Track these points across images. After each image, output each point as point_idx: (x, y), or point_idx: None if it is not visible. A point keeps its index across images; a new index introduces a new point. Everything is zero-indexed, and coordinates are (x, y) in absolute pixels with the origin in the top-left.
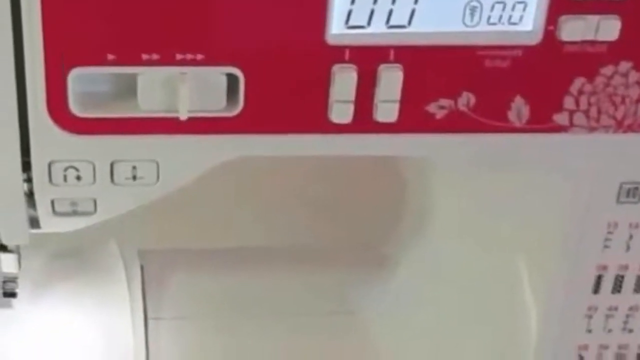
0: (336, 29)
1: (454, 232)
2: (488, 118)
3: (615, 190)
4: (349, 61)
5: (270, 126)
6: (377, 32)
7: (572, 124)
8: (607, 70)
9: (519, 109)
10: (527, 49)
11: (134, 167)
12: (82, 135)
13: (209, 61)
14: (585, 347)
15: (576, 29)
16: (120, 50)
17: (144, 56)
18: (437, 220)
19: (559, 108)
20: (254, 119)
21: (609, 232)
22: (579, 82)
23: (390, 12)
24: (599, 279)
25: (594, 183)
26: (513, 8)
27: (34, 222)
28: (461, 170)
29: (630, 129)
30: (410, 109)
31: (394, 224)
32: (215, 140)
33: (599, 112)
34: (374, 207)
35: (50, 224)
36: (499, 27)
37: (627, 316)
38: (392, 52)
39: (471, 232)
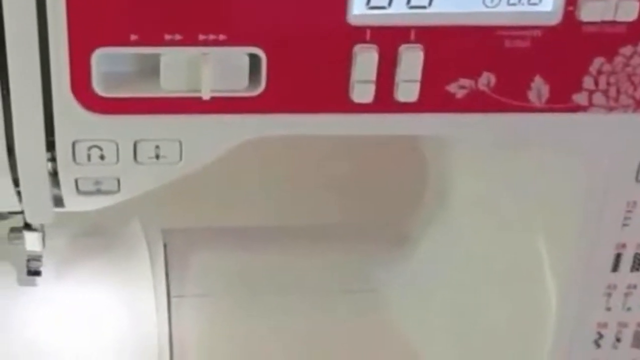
0: (357, 10)
1: (473, 211)
2: (508, 98)
3: (634, 169)
4: (370, 41)
5: (292, 106)
6: (398, 12)
7: (591, 104)
8: (626, 50)
9: (538, 88)
10: (546, 29)
11: (157, 147)
12: (106, 114)
13: (231, 41)
14: (605, 325)
15: (595, 9)
16: (143, 31)
17: (167, 37)
18: (457, 199)
19: (579, 88)
20: (276, 99)
21: (628, 211)
22: (598, 62)
23: None
24: (618, 258)
25: (612, 162)
26: None
27: (58, 201)
28: (481, 150)
29: None
30: (431, 88)
31: (414, 202)
32: (238, 120)
33: (618, 91)
34: (395, 185)
35: (74, 203)
36: (518, 8)
37: None
38: (412, 33)
39: (491, 210)
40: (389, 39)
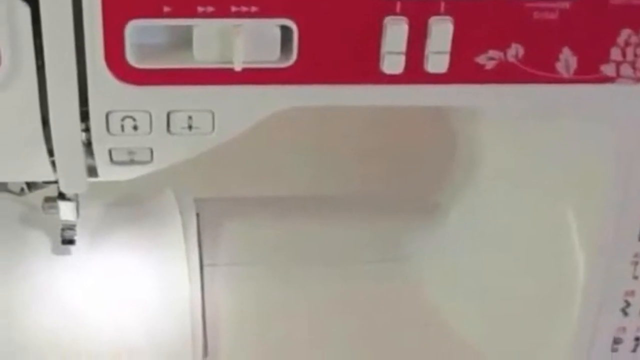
0: None
1: (503, 180)
2: (536, 69)
3: None
4: (400, 13)
5: (323, 77)
6: None
7: (618, 75)
8: None
9: (566, 60)
10: (574, 1)
11: (190, 117)
12: (139, 85)
13: (263, 13)
14: (632, 293)
15: None
16: (176, 3)
17: (200, 9)
18: (486, 169)
19: (606, 59)
20: (307, 70)
21: None
22: (625, 33)
23: None
24: None
25: (639, 132)
26: None
27: (92, 171)
28: (509, 121)
29: None
30: (460, 60)
31: (444, 172)
32: (269, 91)
33: None
34: (425, 156)
35: (108, 173)
36: None
37: None
38: (442, 5)
39: (519, 180)
40: (419, 10)
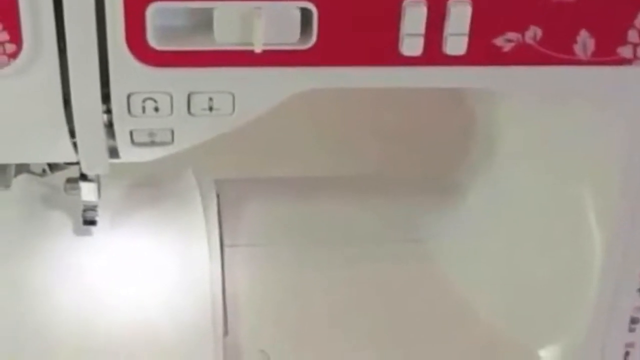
0: None
1: (520, 162)
2: (554, 51)
3: None
4: None
5: (342, 59)
6: None
7: (635, 57)
8: None
9: (584, 42)
10: None
11: (210, 99)
12: (160, 67)
13: None
14: None
15: None
16: None
17: None
18: (504, 150)
19: (623, 41)
20: (327, 52)
21: None
22: None
23: None
24: None
25: None
26: None
27: (114, 152)
28: (527, 102)
29: None
30: (479, 42)
31: (462, 153)
32: (289, 73)
33: None
34: (443, 137)
35: (129, 154)
36: None
37: None
38: None
39: (537, 161)
40: None
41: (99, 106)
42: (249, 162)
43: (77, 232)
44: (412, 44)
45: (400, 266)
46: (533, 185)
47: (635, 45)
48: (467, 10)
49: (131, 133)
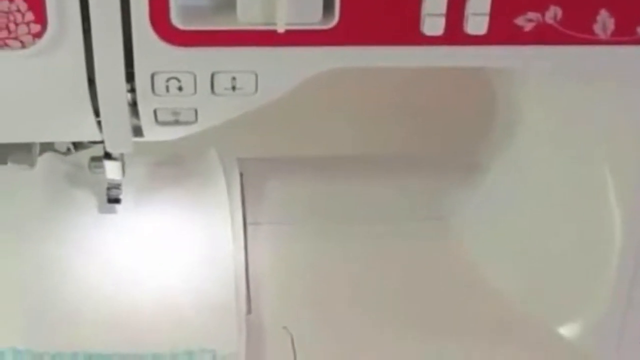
0: None
1: (541, 140)
2: (574, 30)
3: None
4: None
5: (365, 38)
6: None
7: None
8: None
9: (604, 21)
10: None
11: (234, 78)
12: (184, 47)
13: None
14: None
15: None
16: None
17: None
18: (524, 129)
19: None
20: (349, 32)
21: None
22: None
23: None
24: None
25: None
26: None
27: (138, 131)
28: (548, 81)
29: None
30: (500, 21)
31: (484, 132)
32: (311, 52)
33: None
34: (465, 115)
35: (153, 133)
36: None
37: None
38: None
39: (557, 140)
40: None
41: (123, 85)
42: (272, 141)
43: (102, 210)
44: (433, 24)
45: (422, 243)
46: (553, 163)
47: None
48: None
49: (155, 112)
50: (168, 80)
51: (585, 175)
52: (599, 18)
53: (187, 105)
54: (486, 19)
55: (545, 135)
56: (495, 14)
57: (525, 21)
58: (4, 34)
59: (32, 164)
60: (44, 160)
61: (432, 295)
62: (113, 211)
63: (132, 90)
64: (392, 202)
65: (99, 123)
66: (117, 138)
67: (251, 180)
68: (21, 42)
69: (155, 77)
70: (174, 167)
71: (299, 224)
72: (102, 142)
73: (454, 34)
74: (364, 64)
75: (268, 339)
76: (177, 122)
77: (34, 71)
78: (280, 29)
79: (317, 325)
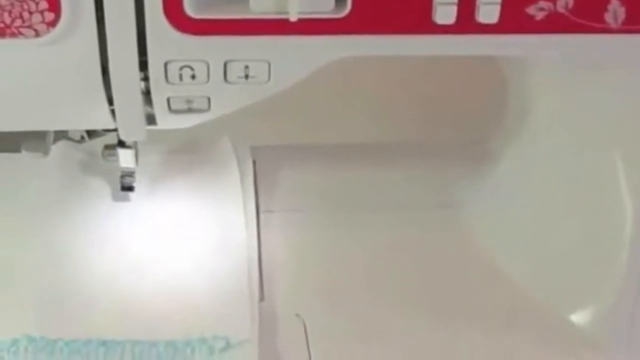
0: None
1: (552, 128)
2: (585, 19)
3: None
4: None
5: (377, 27)
6: None
7: None
8: None
9: (615, 10)
10: None
11: (247, 67)
12: (197, 35)
13: None
14: None
15: None
16: None
17: None
18: (536, 117)
19: None
20: (361, 20)
21: None
22: None
23: None
24: None
25: None
26: None
27: (151, 119)
28: (559, 70)
29: None
30: (511, 10)
31: (495, 120)
32: (324, 41)
33: None
34: (476, 104)
35: (166, 121)
36: None
37: None
38: None
39: (569, 128)
40: None
41: (137, 74)
42: (284, 129)
43: (115, 198)
44: (445, 12)
45: (433, 231)
46: (564, 152)
47: None
48: None
49: (168, 100)
50: (181, 68)
51: (596, 164)
52: (610, 7)
53: (200, 94)
54: (497, 8)
55: (556, 123)
56: (507, 2)
57: (537, 10)
58: (18, 22)
59: (46, 152)
60: (58, 149)
61: (443, 283)
62: (126, 199)
63: (146, 78)
64: (403, 190)
65: (112, 111)
66: (131, 126)
67: (264, 168)
68: (35, 30)
69: (169, 66)
70: (187, 155)
71: (312, 211)
72: (115, 130)
73: (466, 23)
74: (376, 53)
75: (281, 326)
76: (190, 110)
77: (47, 60)
78: (293, 18)
79: (330, 312)
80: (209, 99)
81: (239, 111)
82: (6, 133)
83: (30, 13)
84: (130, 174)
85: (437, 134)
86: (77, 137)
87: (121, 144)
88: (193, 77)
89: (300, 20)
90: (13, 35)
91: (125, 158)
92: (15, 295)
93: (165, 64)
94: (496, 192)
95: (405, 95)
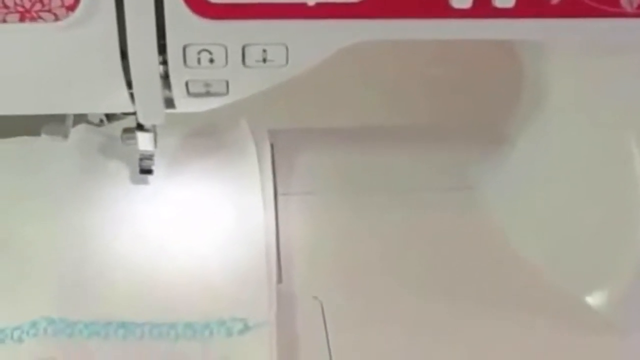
0: None
1: (568, 112)
2: (601, 3)
3: None
4: None
5: (394, 11)
6: None
7: None
8: None
9: None
10: None
11: (264, 51)
12: (215, 20)
13: None
14: None
15: None
16: None
17: None
18: (552, 100)
19: None
20: (379, 5)
21: None
22: None
23: None
24: None
25: None
26: None
27: (170, 103)
28: (574, 53)
29: None
30: None
31: (511, 103)
32: (341, 25)
33: None
34: (493, 87)
35: (185, 105)
36: None
37: None
38: None
39: (585, 111)
40: None
41: (156, 58)
42: (302, 112)
43: (134, 181)
44: None
45: (450, 213)
46: (580, 134)
47: None
48: None
49: (187, 84)
50: (200, 52)
51: (612, 146)
52: None
53: (219, 77)
54: None
55: (572, 106)
56: None
57: None
58: (38, 6)
59: (65, 136)
60: (77, 132)
61: (459, 264)
62: (145, 182)
63: (164, 62)
64: (420, 172)
65: (131, 95)
66: (150, 110)
67: (282, 151)
68: (55, 14)
69: (187, 50)
70: (206, 138)
71: (330, 194)
72: (134, 113)
73: (482, 7)
74: (393, 37)
75: (298, 308)
76: (208, 94)
77: (67, 44)
78: (311, 2)
79: (347, 294)
80: (227, 83)
81: (257, 95)
82: (26, 117)
83: None
84: (149, 157)
85: (453, 117)
86: (97, 121)
87: (140, 127)
88: (211, 60)
89: (318, 5)
90: (33, 19)
91: (144, 141)
92: (35, 278)
93: (184, 48)
94: (512, 174)
95: (421, 78)
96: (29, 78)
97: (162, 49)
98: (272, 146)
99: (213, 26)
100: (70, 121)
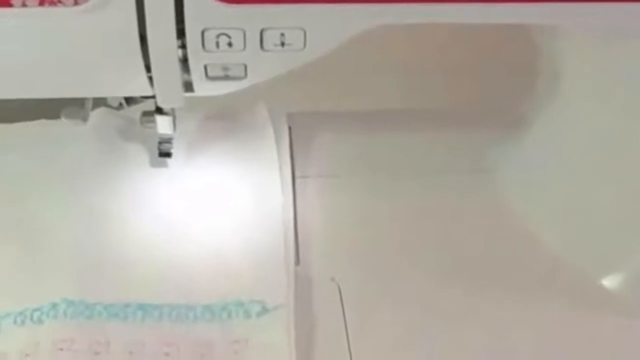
0: None
1: (584, 94)
2: None
3: None
4: None
5: None
6: None
7: None
8: None
9: None
10: None
11: (282, 35)
12: (234, 4)
13: None
14: None
15: None
16: None
17: None
18: (568, 84)
19: None
20: None
21: None
22: None
23: None
24: None
25: None
26: None
27: (188, 87)
28: (591, 37)
29: None
30: None
31: (528, 86)
32: (358, 9)
33: None
34: (509, 70)
35: (204, 88)
36: None
37: None
38: None
39: (601, 94)
40: None
41: (174, 42)
42: (319, 96)
43: (153, 164)
44: None
45: (467, 195)
46: (597, 116)
47: None
48: None
49: (205, 67)
50: (218, 36)
51: (628, 129)
52: None
53: (237, 61)
54: None
55: (589, 88)
56: None
57: None
58: None
59: (84, 119)
60: (97, 115)
61: (477, 246)
62: (164, 165)
63: (183, 46)
64: (438, 155)
65: (150, 78)
66: (168, 93)
67: (300, 134)
68: None
69: (206, 34)
70: (224, 121)
71: (347, 176)
72: (153, 97)
73: None
74: (410, 21)
75: (316, 290)
76: (227, 78)
77: (86, 27)
78: None
79: (365, 277)
80: (245, 67)
81: (275, 78)
82: (46, 100)
83: None
84: (167, 140)
85: (470, 100)
86: (116, 104)
87: (159, 110)
88: (230, 44)
89: None
90: (52, 3)
91: (163, 125)
92: (55, 260)
93: (203, 32)
94: (529, 156)
95: (438, 62)
96: (48, 62)
97: (180, 33)
98: (290, 129)
99: (231, 10)
100: (89, 105)
